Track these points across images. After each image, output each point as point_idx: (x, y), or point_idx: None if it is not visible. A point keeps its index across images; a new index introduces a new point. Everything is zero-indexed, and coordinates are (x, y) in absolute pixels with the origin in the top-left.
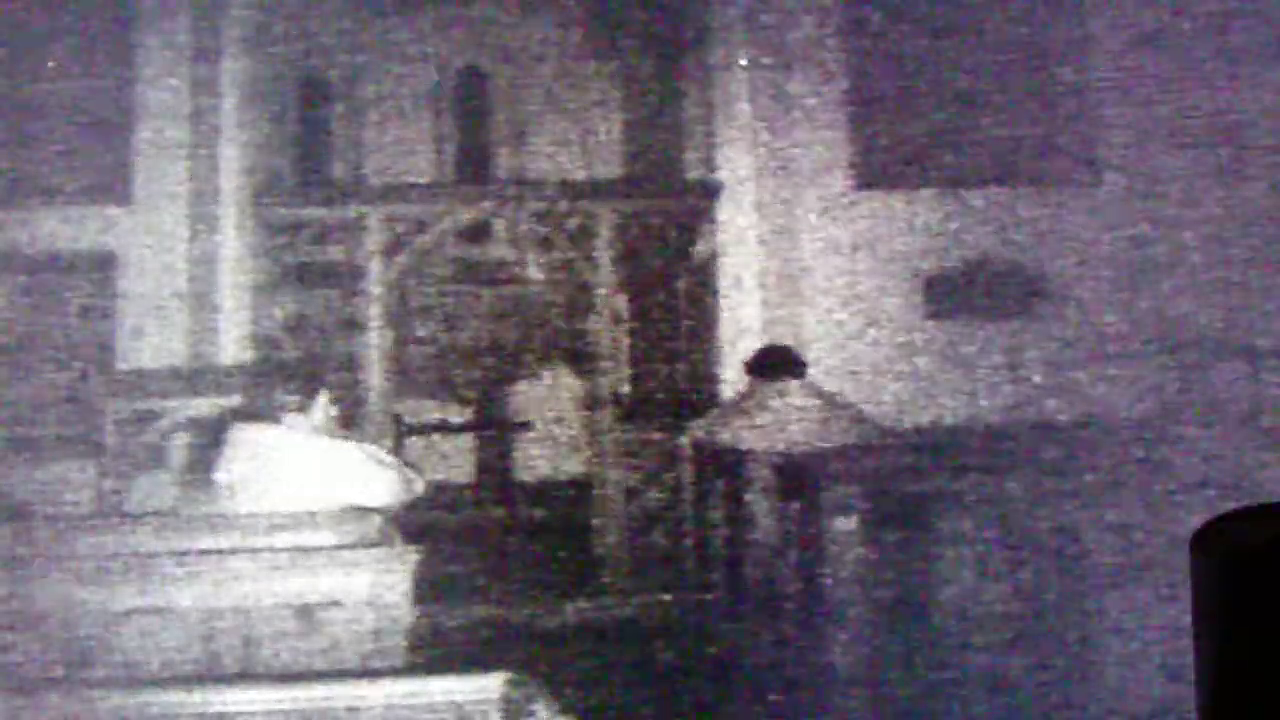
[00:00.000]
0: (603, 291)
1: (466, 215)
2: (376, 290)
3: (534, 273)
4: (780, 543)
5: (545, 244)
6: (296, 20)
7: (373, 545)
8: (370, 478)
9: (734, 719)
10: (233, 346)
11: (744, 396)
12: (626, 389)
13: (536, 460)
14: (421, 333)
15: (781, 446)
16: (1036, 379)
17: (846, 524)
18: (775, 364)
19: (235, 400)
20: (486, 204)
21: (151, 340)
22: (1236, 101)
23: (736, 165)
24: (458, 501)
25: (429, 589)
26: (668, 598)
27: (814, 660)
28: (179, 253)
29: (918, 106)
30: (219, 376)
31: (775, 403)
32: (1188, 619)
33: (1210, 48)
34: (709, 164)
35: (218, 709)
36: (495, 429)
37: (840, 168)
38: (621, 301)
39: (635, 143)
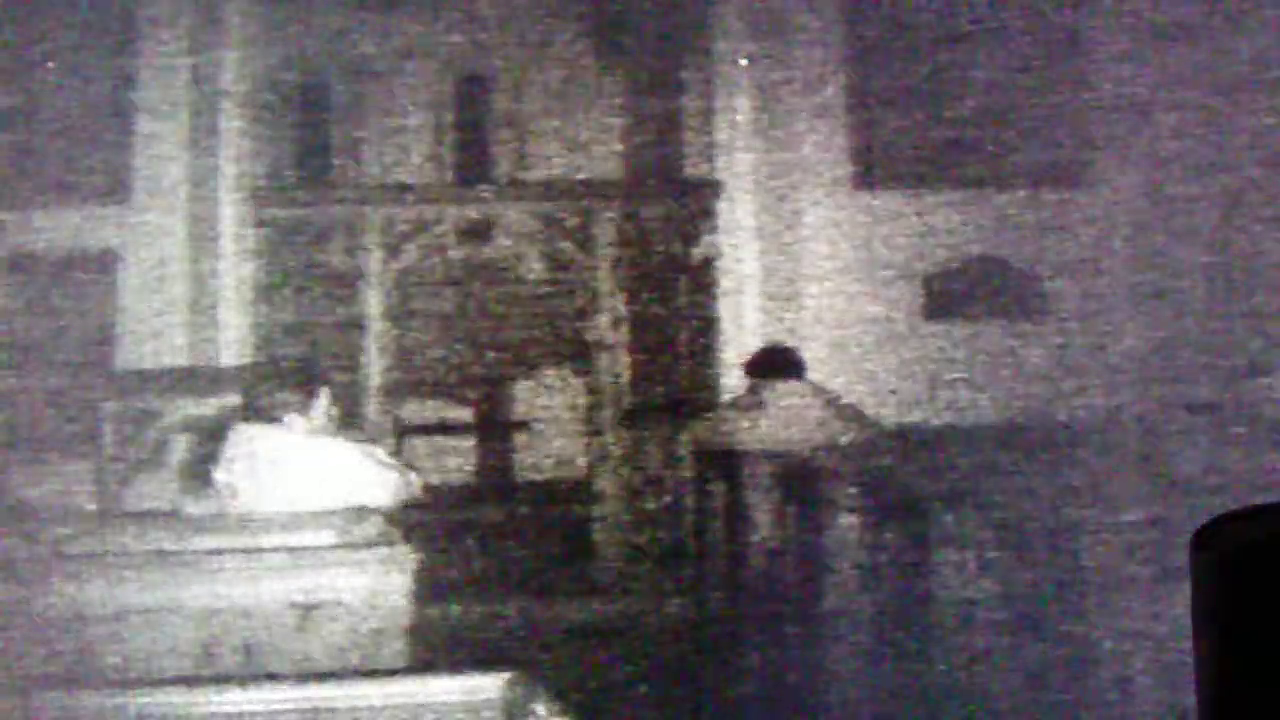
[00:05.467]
0: (603, 291)
1: (466, 215)
2: (376, 290)
3: (534, 273)
4: (780, 543)
5: (545, 244)
6: (296, 20)
7: (373, 545)
8: (370, 478)
9: (734, 719)
10: (233, 346)
11: (744, 396)
12: (627, 389)
13: (536, 460)
14: (421, 333)
15: (781, 447)
16: (1036, 379)
17: (846, 524)
18: (775, 364)
19: (235, 400)
20: (486, 204)
21: (151, 340)
22: (1237, 102)
23: (736, 165)
24: (458, 501)
25: (429, 589)
26: (668, 598)
27: (814, 659)
28: (179, 252)
29: (917, 107)
30: (219, 376)
31: (775, 403)
32: (1188, 619)
33: (1211, 49)
34: (709, 164)
35: (218, 709)
36: (495, 429)
37: (840, 168)
38: (621, 301)
39: (635, 143)
